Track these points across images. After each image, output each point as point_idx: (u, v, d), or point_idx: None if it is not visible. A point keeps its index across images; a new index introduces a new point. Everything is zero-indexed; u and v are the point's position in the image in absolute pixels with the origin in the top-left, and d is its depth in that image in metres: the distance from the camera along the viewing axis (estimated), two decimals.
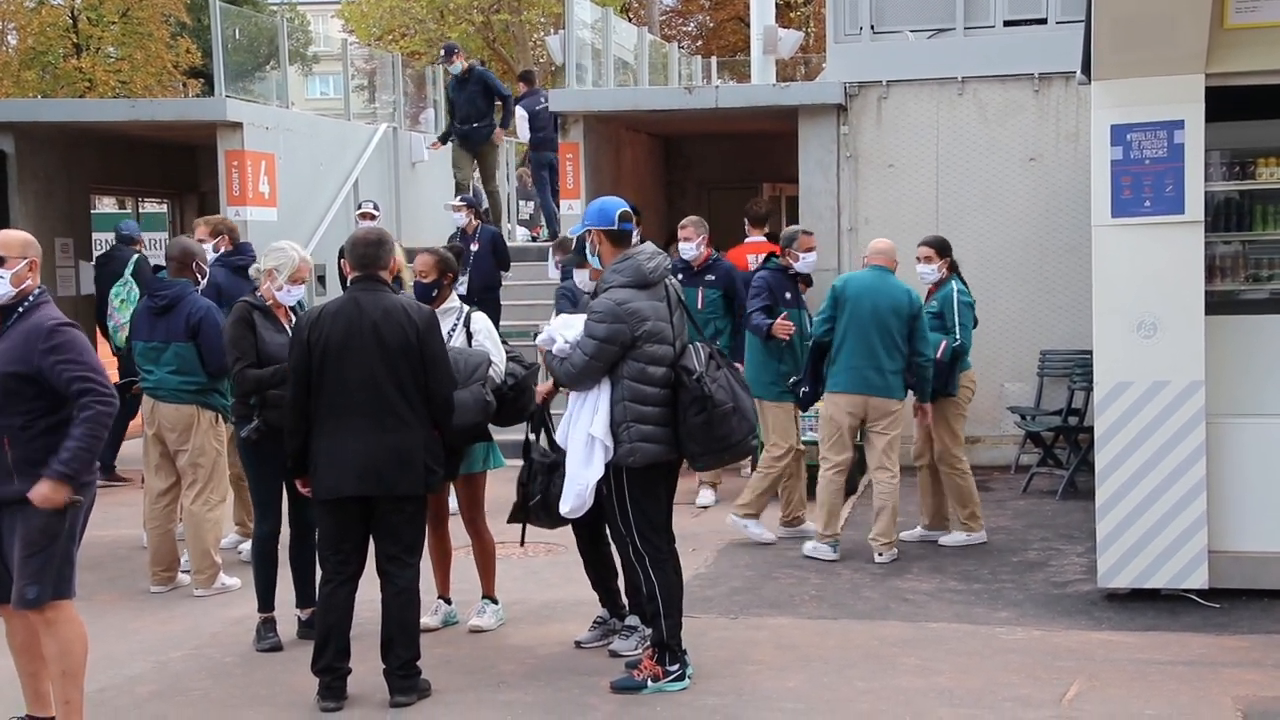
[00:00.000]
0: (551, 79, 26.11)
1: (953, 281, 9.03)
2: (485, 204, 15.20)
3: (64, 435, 5.21)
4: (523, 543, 7.09)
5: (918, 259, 9.09)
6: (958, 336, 8.84)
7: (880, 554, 8.60)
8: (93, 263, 14.32)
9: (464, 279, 11.18)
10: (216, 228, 9.40)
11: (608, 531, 6.63)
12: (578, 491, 6.12)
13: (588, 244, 6.44)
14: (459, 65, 15.45)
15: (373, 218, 12.78)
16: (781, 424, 9.15)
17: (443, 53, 16.11)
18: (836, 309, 8.55)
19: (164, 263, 8.43)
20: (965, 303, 8.98)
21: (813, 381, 8.75)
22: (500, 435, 7.20)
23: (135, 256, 10.78)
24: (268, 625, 7.04)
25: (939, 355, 8.69)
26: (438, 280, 6.99)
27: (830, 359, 8.60)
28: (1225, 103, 7.23)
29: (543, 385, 6.89)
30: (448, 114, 16.08)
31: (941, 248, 9.13)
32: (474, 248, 12.18)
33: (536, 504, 6.69)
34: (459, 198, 13.84)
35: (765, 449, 9.17)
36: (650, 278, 6.17)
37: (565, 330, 6.23)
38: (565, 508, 6.20)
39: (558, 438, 6.34)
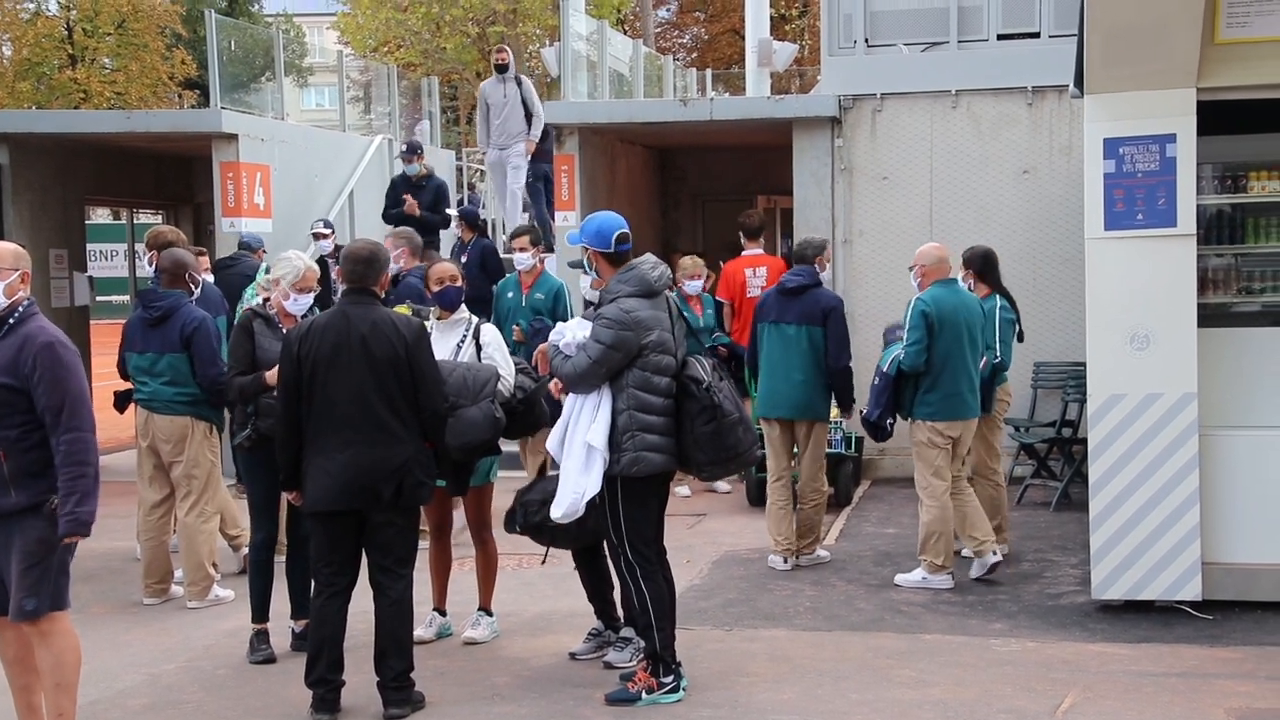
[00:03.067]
0: (547, 91, 26.14)
1: (996, 297, 8.85)
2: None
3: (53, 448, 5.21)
4: (544, 561, 7.13)
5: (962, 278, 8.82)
6: (998, 353, 8.65)
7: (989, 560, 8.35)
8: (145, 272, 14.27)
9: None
10: (149, 242, 8.97)
11: (605, 544, 6.63)
12: (573, 499, 6.11)
13: (584, 260, 6.47)
14: (416, 167, 13.94)
15: (325, 237, 12.77)
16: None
17: (404, 148, 14.42)
18: (931, 335, 8.08)
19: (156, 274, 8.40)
20: (1007, 320, 8.81)
21: (894, 411, 8.32)
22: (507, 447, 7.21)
23: (263, 265, 10.48)
24: (261, 637, 7.03)
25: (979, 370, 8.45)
26: (463, 287, 7.05)
27: (925, 385, 8.15)
28: (1217, 116, 7.26)
29: (555, 383, 6.69)
30: (387, 204, 14.23)
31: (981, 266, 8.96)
32: (463, 259, 12.17)
33: (549, 524, 6.62)
34: (456, 211, 13.88)
35: (814, 478, 8.77)
36: (655, 286, 6.22)
37: (580, 330, 6.23)
38: (558, 512, 6.18)
39: (550, 444, 6.34)
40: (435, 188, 13.97)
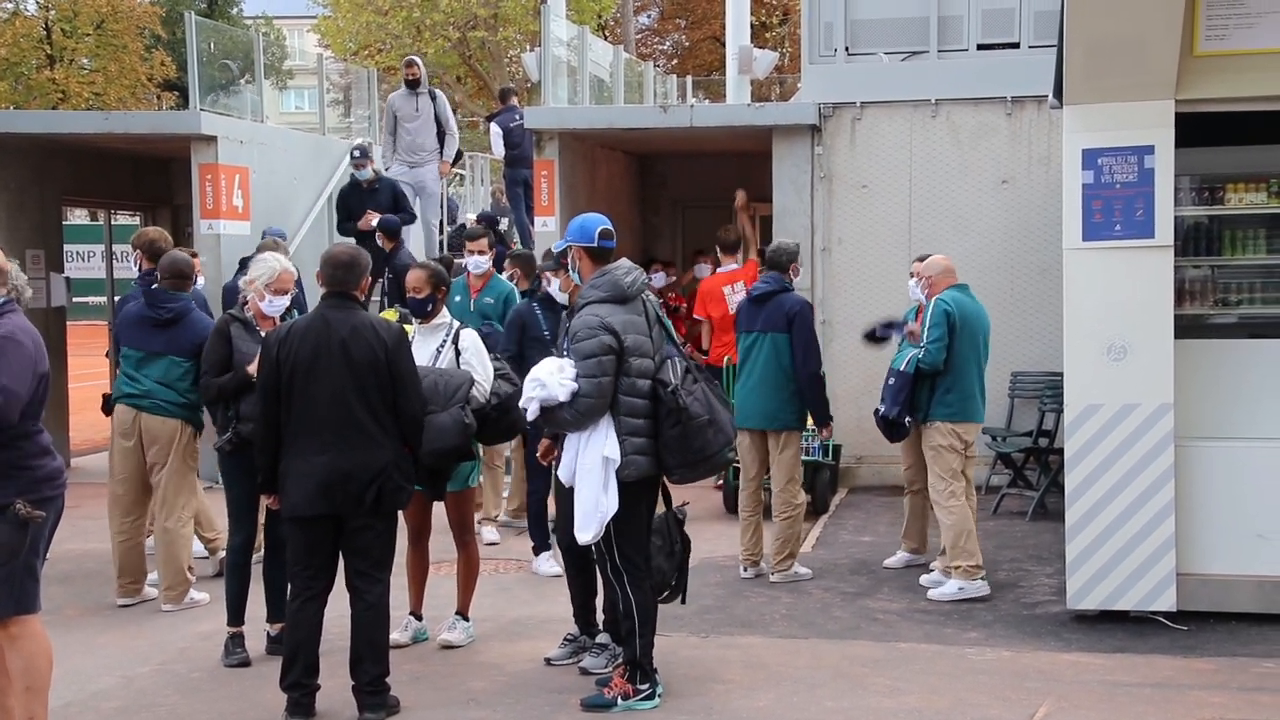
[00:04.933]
0: (528, 96, 26.15)
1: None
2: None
3: (19, 450, 5.15)
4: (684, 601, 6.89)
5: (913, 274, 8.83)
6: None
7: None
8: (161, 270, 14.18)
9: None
10: (134, 242, 8.89)
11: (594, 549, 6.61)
12: (600, 519, 6.06)
13: (569, 260, 6.48)
14: (368, 171, 13.38)
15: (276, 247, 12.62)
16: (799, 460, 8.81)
17: (355, 153, 13.55)
18: (952, 334, 8.12)
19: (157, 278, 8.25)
20: None
21: (912, 411, 8.29)
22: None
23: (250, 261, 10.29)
24: (236, 640, 7.00)
25: None
26: (431, 295, 6.96)
27: (944, 386, 8.16)
28: (1195, 128, 7.30)
29: (544, 443, 6.71)
30: (340, 217, 13.63)
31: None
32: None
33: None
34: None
35: (783, 489, 8.59)
36: (628, 292, 6.20)
37: (549, 378, 6.07)
38: (586, 536, 6.11)
39: (562, 474, 6.29)
40: (390, 188, 13.53)
